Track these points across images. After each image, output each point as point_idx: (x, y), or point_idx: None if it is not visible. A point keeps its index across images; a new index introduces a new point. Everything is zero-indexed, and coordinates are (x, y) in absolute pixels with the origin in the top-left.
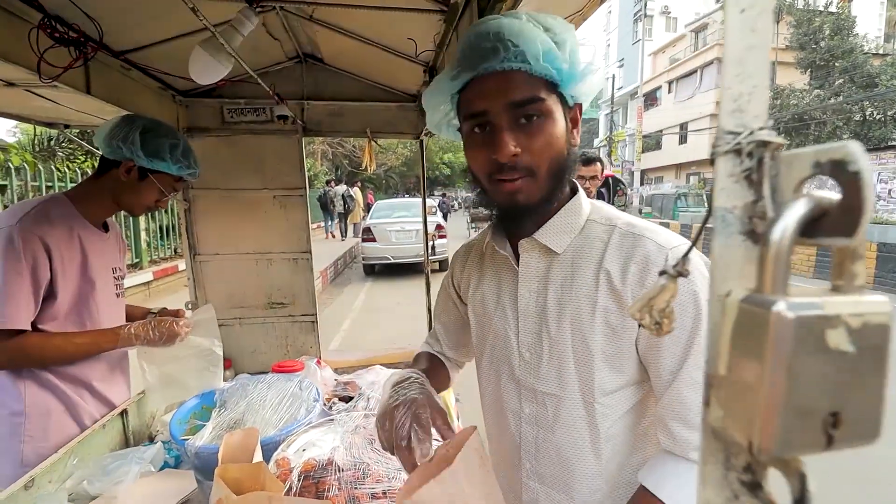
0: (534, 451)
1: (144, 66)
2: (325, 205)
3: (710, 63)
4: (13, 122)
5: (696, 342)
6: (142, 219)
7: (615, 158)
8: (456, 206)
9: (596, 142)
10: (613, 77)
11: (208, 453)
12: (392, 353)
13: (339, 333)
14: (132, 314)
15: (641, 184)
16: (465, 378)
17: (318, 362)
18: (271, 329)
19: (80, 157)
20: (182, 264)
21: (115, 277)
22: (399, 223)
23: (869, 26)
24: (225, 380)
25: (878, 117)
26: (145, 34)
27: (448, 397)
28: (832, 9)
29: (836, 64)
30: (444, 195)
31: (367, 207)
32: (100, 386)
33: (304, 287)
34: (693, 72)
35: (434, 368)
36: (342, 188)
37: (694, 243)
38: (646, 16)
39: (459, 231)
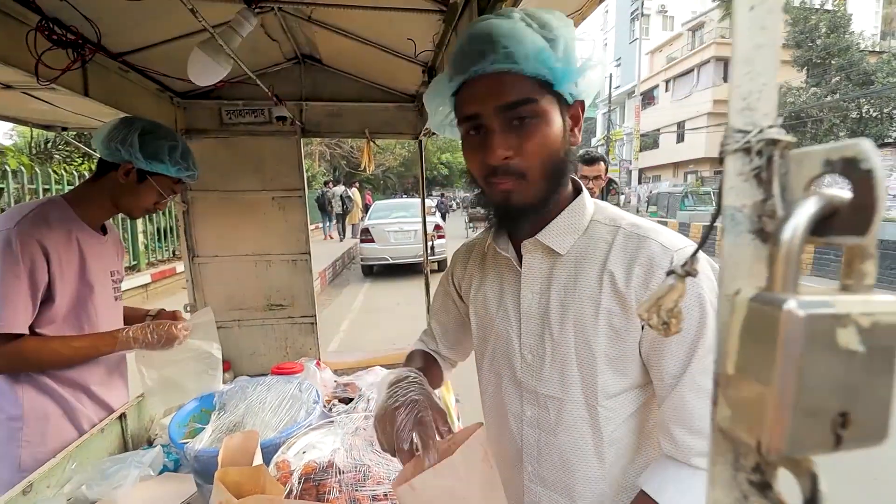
0: (535, 455)
1: (142, 67)
2: (323, 206)
3: (707, 61)
4: (10, 125)
5: (701, 346)
6: (139, 221)
7: (613, 157)
8: (454, 206)
9: (594, 141)
10: (611, 76)
11: (208, 456)
12: (391, 354)
13: (337, 335)
14: (130, 316)
15: (639, 182)
16: (465, 378)
17: (318, 364)
18: (270, 331)
19: (78, 160)
20: (180, 266)
21: (113, 280)
22: (397, 224)
23: (865, 24)
24: (224, 382)
25: (874, 115)
26: (143, 36)
27: (448, 397)
28: (828, 6)
29: (833, 62)
30: (442, 195)
31: (366, 208)
32: (98, 390)
33: (303, 288)
34: (690, 70)
35: (428, 367)
36: (340, 189)
37: (702, 244)
38: (643, 15)
39: (458, 231)
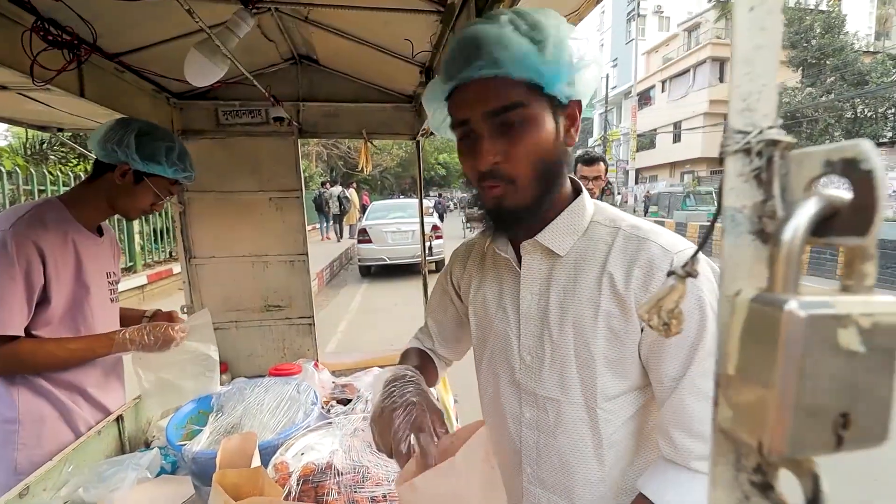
0: (535, 457)
1: (139, 68)
2: (321, 206)
3: (703, 62)
4: (4, 126)
5: (701, 350)
6: (136, 222)
7: (610, 158)
8: (452, 206)
9: (591, 141)
10: (607, 76)
11: (206, 458)
12: (390, 355)
13: (335, 335)
14: (126, 317)
15: (636, 182)
16: (465, 379)
17: (316, 365)
18: (268, 332)
19: (73, 161)
20: (176, 267)
21: (109, 282)
22: (395, 224)
23: (859, 24)
24: (221, 384)
25: (869, 114)
26: (139, 36)
27: (446, 398)
28: (823, 7)
29: (828, 62)
30: (439, 195)
31: (363, 209)
32: (94, 392)
33: (300, 289)
34: (686, 71)
35: (424, 366)
36: (337, 189)
37: (702, 245)
38: (639, 15)
39: (455, 231)
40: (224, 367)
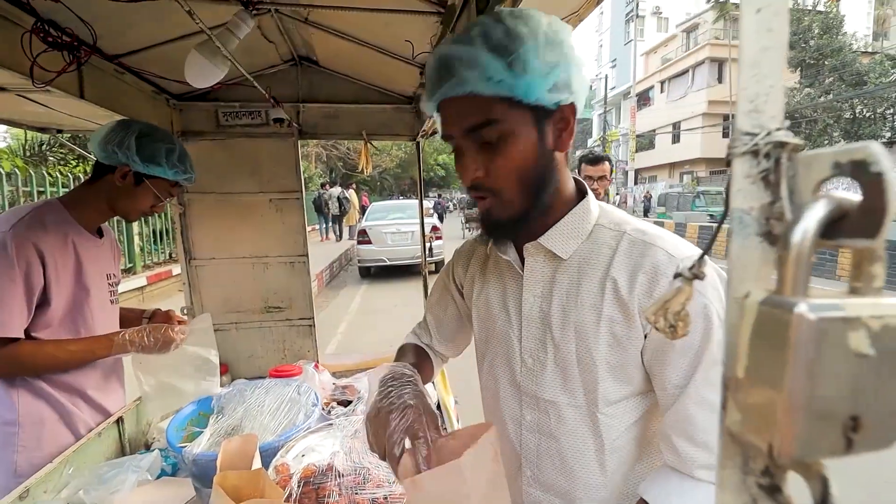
0: (535, 459)
1: (138, 69)
2: (320, 207)
3: (702, 63)
4: (3, 128)
5: (706, 358)
6: (135, 223)
7: None
8: (451, 207)
9: (590, 142)
10: (606, 77)
11: (206, 460)
12: (389, 356)
13: (335, 337)
14: (126, 317)
15: (635, 183)
16: (464, 379)
17: (316, 366)
18: (268, 333)
19: (72, 162)
20: (176, 269)
21: (109, 284)
22: (395, 225)
23: (857, 25)
24: (222, 385)
25: (867, 115)
26: (139, 38)
27: (447, 399)
28: (820, 8)
29: (826, 62)
30: (439, 196)
31: (362, 209)
32: (94, 394)
33: (300, 290)
34: (685, 71)
35: (421, 362)
36: (337, 190)
37: (709, 247)
38: (637, 16)
39: (454, 232)
40: (224, 369)
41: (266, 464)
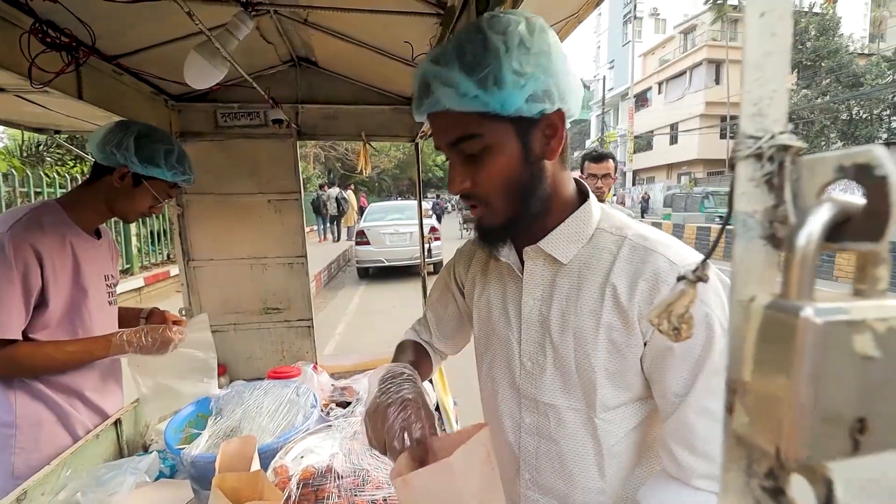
0: (534, 462)
1: (137, 70)
2: (319, 208)
3: (699, 64)
4: (0, 128)
5: (707, 367)
6: (133, 224)
7: None
8: (449, 208)
9: (588, 143)
10: (605, 78)
11: (205, 462)
12: (388, 357)
13: (333, 338)
14: (124, 316)
15: (633, 184)
16: (465, 380)
17: (315, 367)
18: (266, 334)
19: (70, 162)
20: (174, 270)
21: (107, 285)
22: (393, 226)
23: (854, 26)
24: (220, 386)
25: (864, 116)
26: (138, 38)
27: (446, 400)
28: (817, 10)
29: (823, 64)
30: (437, 197)
31: (360, 210)
32: (92, 395)
33: (299, 291)
34: (682, 73)
35: (419, 359)
36: (335, 191)
37: (712, 250)
38: (635, 17)
39: (452, 233)
40: (222, 370)
41: (265, 465)
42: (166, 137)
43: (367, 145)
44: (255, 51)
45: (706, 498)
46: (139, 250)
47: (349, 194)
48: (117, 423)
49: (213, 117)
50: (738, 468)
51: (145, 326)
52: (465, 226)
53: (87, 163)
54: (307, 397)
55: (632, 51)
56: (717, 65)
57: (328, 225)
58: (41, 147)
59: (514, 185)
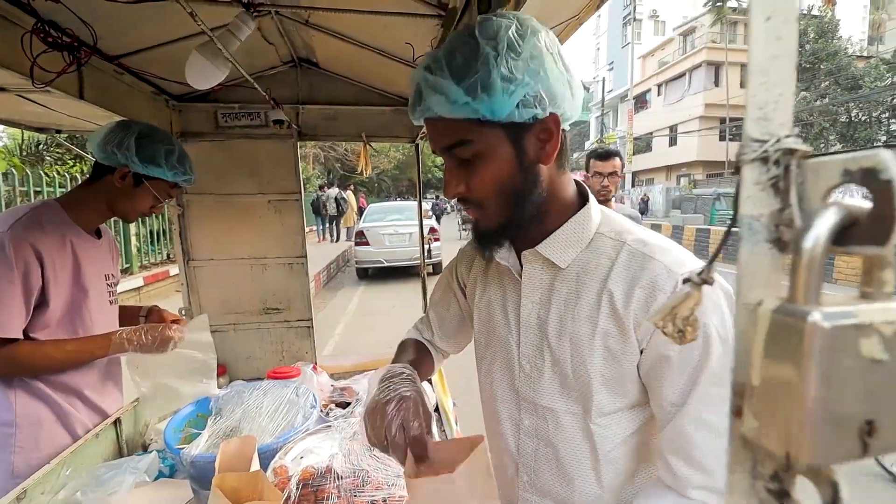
0: (533, 464)
1: (138, 70)
2: (318, 209)
3: (699, 66)
4: (1, 127)
5: (703, 377)
6: (132, 224)
7: None
8: (448, 209)
9: (587, 144)
10: (604, 80)
11: (204, 462)
12: (388, 358)
13: (332, 338)
14: (124, 314)
15: (633, 185)
16: (465, 381)
17: (314, 368)
18: (266, 335)
19: (70, 162)
20: (173, 269)
21: (108, 284)
22: (392, 226)
23: (853, 29)
24: (219, 386)
25: (863, 118)
26: (139, 38)
27: (446, 401)
28: (816, 12)
29: (822, 66)
30: (437, 198)
31: (360, 211)
32: (92, 395)
33: (299, 292)
34: (682, 75)
35: (421, 358)
36: (334, 191)
37: (717, 253)
38: (635, 19)
39: (451, 233)
40: (222, 370)
41: (264, 465)
42: (167, 137)
43: (368, 146)
44: (256, 51)
45: None
46: (139, 250)
47: (348, 195)
48: (117, 422)
49: (214, 117)
50: (743, 470)
51: (145, 325)
52: (463, 227)
53: (87, 162)
54: (307, 398)
55: (631, 53)
56: (717, 67)
57: (327, 225)
58: (41, 146)
59: (509, 189)
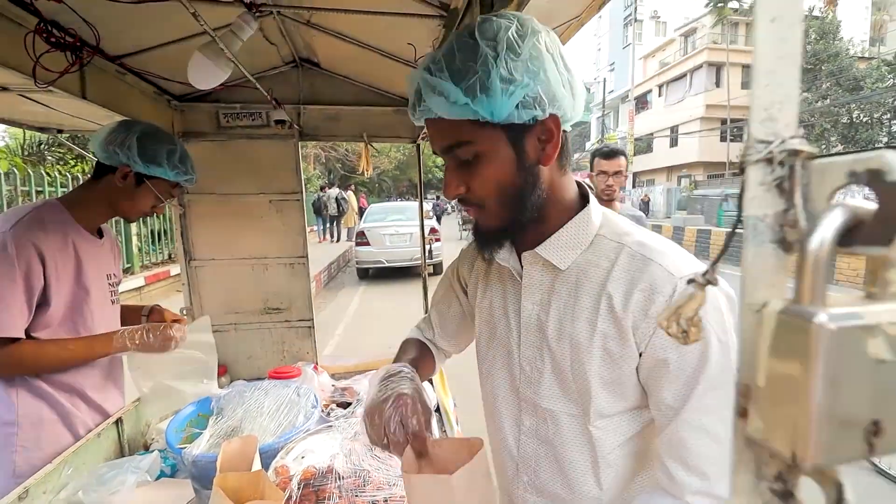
0: (533, 465)
1: (140, 70)
2: (319, 209)
3: (700, 67)
4: (2, 127)
5: (702, 383)
6: (133, 223)
7: None
8: (449, 209)
9: (588, 145)
10: (605, 81)
11: (206, 461)
12: (388, 358)
13: (333, 338)
14: (125, 314)
15: (633, 186)
16: (465, 381)
17: (315, 368)
18: (267, 335)
19: (71, 161)
20: (174, 269)
21: (109, 284)
22: (393, 227)
23: (854, 30)
24: (221, 386)
25: (864, 120)
26: (142, 39)
27: (447, 401)
28: (817, 13)
29: (823, 68)
30: (437, 198)
31: (360, 211)
32: (93, 394)
33: (300, 292)
34: (683, 75)
35: (422, 357)
36: (335, 191)
37: (721, 254)
38: (636, 20)
39: (452, 234)
40: (223, 370)
41: (266, 465)
42: (169, 137)
43: (369, 146)
44: (258, 51)
45: None
46: (140, 249)
47: (349, 195)
48: (118, 422)
49: (216, 117)
50: (747, 471)
51: (147, 324)
52: (464, 227)
53: (89, 162)
54: (308, 397)
55: (632, 53)
56: (718, 67)
57: (328, 225)
58: (42, 146)
59: (508, 190)
